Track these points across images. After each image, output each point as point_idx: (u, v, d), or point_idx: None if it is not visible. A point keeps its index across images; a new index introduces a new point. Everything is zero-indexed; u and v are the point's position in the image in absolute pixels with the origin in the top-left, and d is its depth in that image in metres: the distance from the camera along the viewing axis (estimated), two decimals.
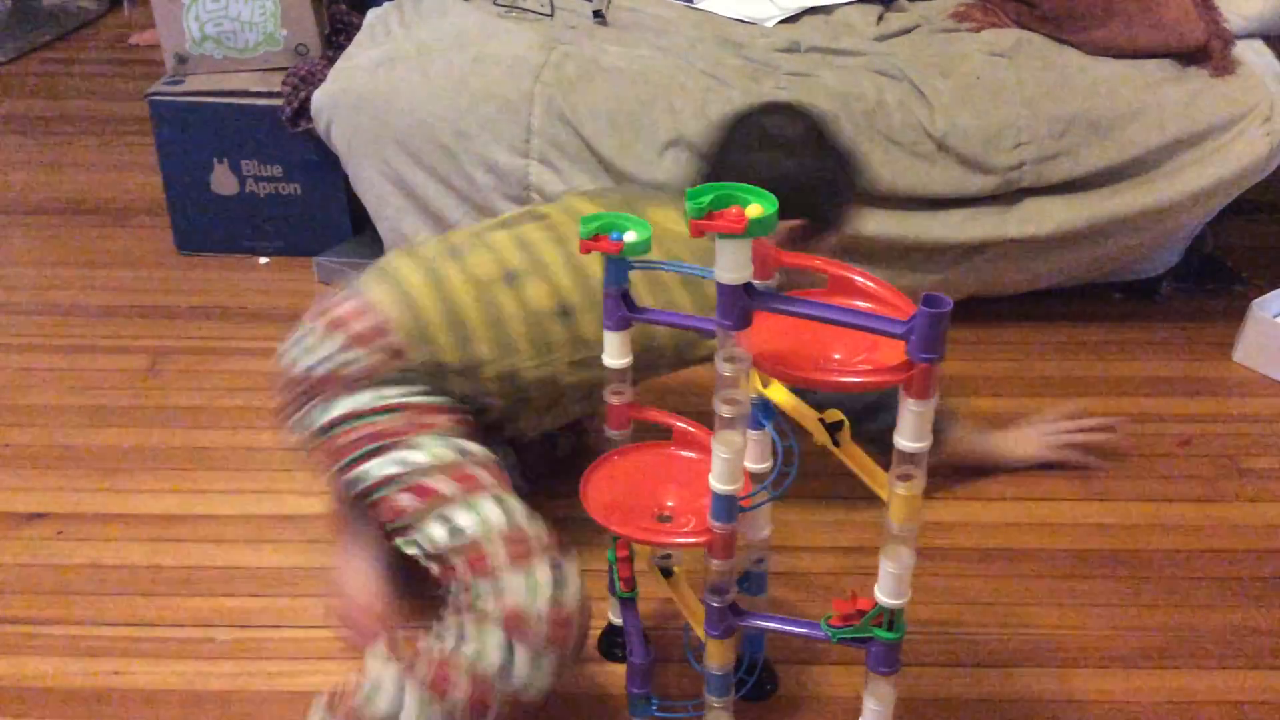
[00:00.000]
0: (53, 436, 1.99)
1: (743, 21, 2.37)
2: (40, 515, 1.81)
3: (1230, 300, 2.33)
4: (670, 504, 1.26)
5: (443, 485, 1.33)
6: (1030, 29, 2.24)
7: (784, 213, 1.00)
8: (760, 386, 1.23)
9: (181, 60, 2.51)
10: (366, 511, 1.41)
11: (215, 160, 2.48)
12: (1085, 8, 2.16)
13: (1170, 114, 2.08)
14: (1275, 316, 2.16)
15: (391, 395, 1.41)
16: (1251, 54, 2.16)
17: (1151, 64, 2.13)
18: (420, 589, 1.43)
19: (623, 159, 2.11)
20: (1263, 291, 2.24)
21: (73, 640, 1.58)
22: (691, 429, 1.32)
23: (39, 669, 1.53)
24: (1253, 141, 2.09)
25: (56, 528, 1.78)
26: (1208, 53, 2.11)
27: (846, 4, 2.44)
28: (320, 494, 1.84)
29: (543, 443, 1.75)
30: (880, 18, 2.39)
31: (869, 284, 1.14)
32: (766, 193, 1.00)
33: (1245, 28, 2.18)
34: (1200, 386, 2.11)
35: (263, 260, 2.57)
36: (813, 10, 2.43)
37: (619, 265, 1.24)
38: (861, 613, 1.13)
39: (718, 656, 1.25)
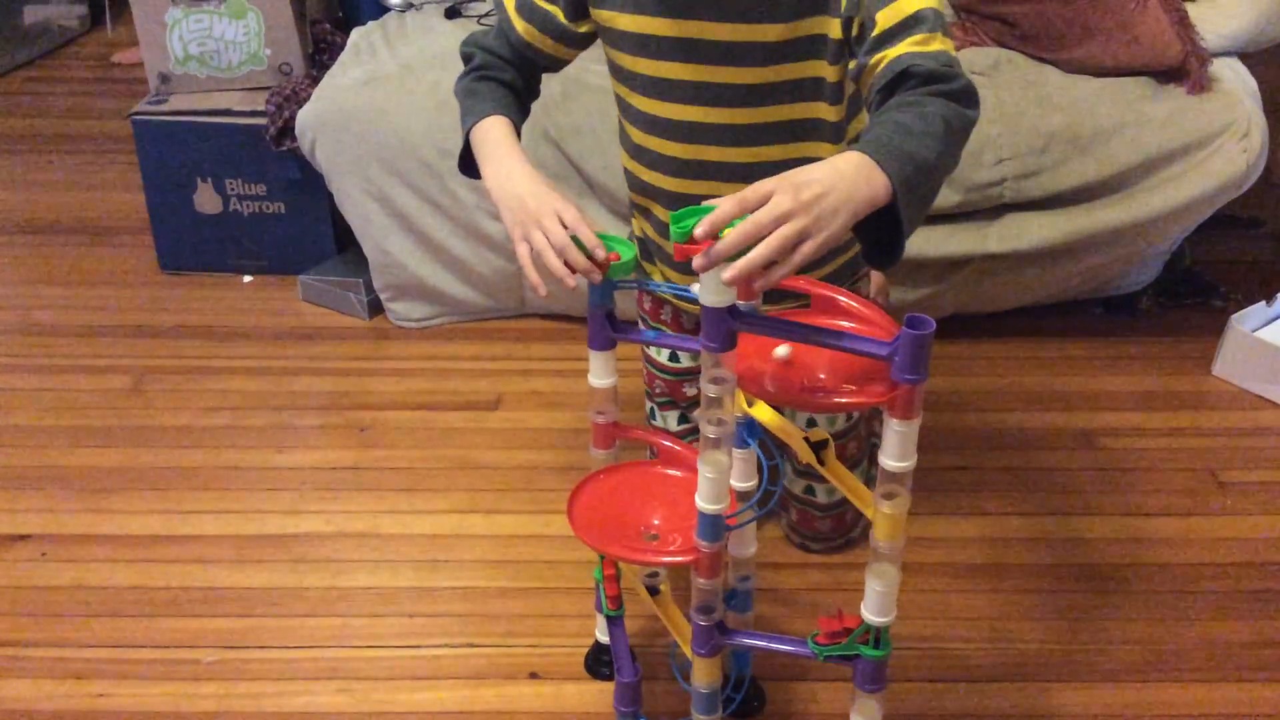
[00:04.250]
0: (36, 457, 1.98)
1: None
2: (24, 537, 1.80)
3: (1209, 314, 2.35)
4: (656, 522, 1.27)
5: None
6: (1009, 48, 2.26)
7: None
8: (745, 406, 1.24)
9: (165, 79, 2.51)
10: None
11: (199, 179, 2.48)
12: (1064, 27, 2.18)
13: (1148, 131, 2.11)
14: (1253, 330, 2.18)
15: None
16: (1228, 72, 2.19)
17: (1129, 82, 2.16)
18: None
19: (606, 177, 2.12)
20: (1241, 306, 2.26)
21: (58, 662, 1.57)
22: (678, 448, 1.33)
23: (23, 692, 1.52)
24: (1230, 157, 2.11)
25: (40, 549, 1.77)
26: (1185, 70, 2.13)
27: None
28: (305, 513, 1.84)
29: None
30: None
31: (853, 304, 1.15)
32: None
33: (1222, 46, 2.20)
34: (1180, 400, 2.13)
35: (246, 279, 2.56)
36: None
37: (604, 286, 1.24)
38: (848, 630, 1.14)
39: (705, 674, 1.25)
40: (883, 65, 1.20)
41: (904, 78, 1.17)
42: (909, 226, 1.09)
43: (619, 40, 1.39)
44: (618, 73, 1.44)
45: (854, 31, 1.25)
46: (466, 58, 1.46)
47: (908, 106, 1.15)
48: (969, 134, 1.18)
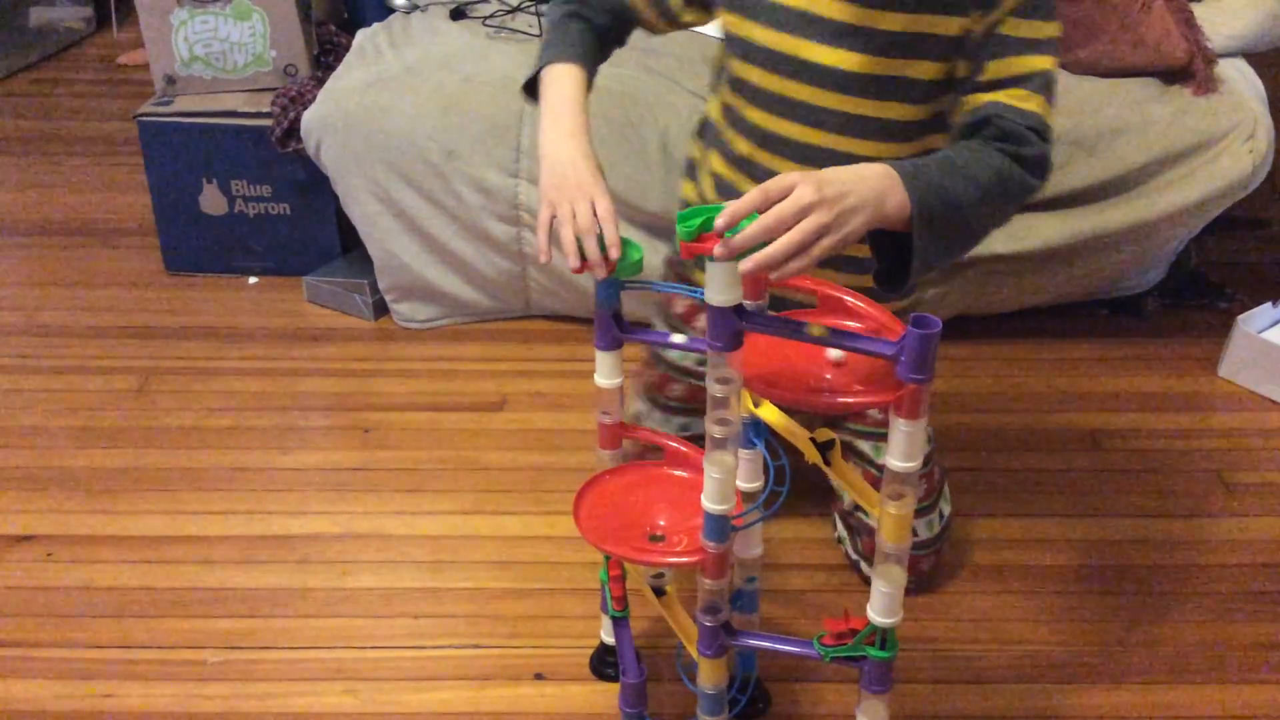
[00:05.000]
0: (42, 458, 1.99)
1: None
2: (30, 537, 1.80)
3: (1215, 316, 2.35)
4: (662, 523, 1.27)
5: None
6: None
7: None
8: (751, 406, 1.24)
9: (170, 81, 2.52)
10: None
11: (204, 180, 2.48)
12: (1069, 27, 2.18)
13: (1155, 131, 2.10)
14: (1259, 332, 2.18)
15: None
16: (1234, 72, 2.18)
17: (1135, 82, 2.15)
18: None
19: (613, 179, 2.11)
20: (1247, 307, 2.26)
21: (64, 663, 1.57)
22: (684, 448, 1.33)
23: (30, 692, 1.52)
24: (1236, 158, 2.11)
25: (46, 550, 1.78)
26: (1191, 71, 2.13)
27: None
28: (310, 514, 1.85)
29: None
30: None
31: (859, 304, 1.15)
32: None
33: (1227, 46, 2.20)
34: (1186, 402, 2.13)
35: (252, 280, 2.56)
36: None
37: (611, 285, 1.24)
38: (854, 631, 1.14)
39: (710, 676, 1.25)
40: (971, 106, 1.22)
41: (985, 124, 1.19)
42: (920, 256, 1.09)
43: (751, 53, 1.35)
44: (738, 85, 1.40)
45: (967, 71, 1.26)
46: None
47: (968, 149, 1.17)
48: (1023, 199, 1.20)
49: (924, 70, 1.28)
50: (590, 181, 1.24)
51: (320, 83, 2.37)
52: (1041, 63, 1.22)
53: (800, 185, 1.00)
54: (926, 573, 1.66)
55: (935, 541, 1.64)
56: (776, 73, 1.33)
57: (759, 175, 1.40)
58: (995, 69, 1.23)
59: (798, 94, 1.33)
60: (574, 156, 1.27)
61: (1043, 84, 1.22)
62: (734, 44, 1.37)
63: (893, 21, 1.25)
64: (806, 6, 1.28)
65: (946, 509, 1.65)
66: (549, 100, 1.33)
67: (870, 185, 1.05)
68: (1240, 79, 2.18)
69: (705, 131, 1.53)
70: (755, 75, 1.35)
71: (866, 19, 1.26)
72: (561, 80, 1.33)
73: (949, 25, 1.25)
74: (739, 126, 1.42)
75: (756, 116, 1.38)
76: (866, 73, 1.29)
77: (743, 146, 1.42)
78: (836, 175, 1.04)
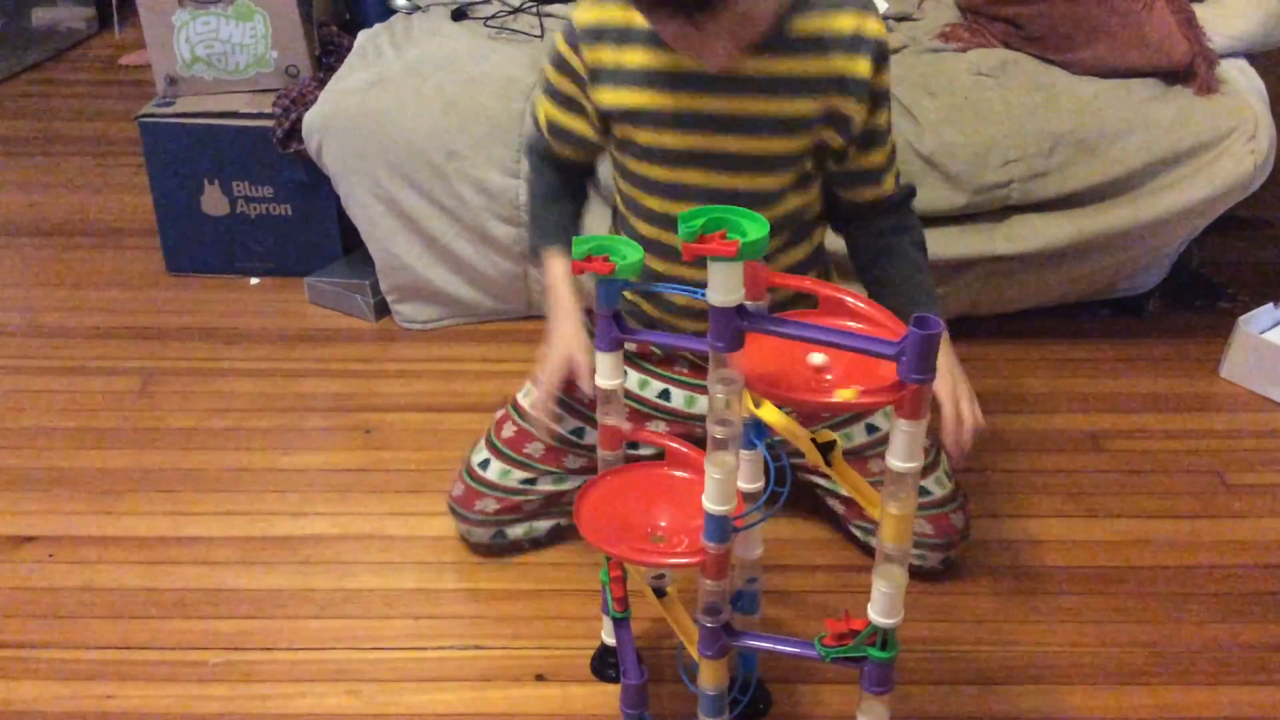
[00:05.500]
0: (44, 459, 1.99)
1: None
2: (31, 538, 1.80)
3: (1216, 316, 2.35)
4: (663, 524, 1.27)
5: None
6: (1017, 49, 2.26)
7: None
8: (752, 406, 1.23)
9: (172, 82, 2.52)
10: None
11: (206, 181, 2.48)
12: (1071, 28, 2.18)
13: (1156, 132, 2.10)
14: (1261, 332, 2.18)
15: None
16: (1236, 73, 2.18)
17: (1137, 83, 2.15)
18: None
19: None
20: (1248, 307, 2.26)
21: (65, 664, 1.57)
22: (684, 449, 1.33)
23: (31, 693, 1.53)
24: (1238, 159, 2.11)
25: (48, 550, 1.78)
26: (1192, 72, 2.13)
27: None
28: (312, 515, 1.85)
29: None
30: None
31: (860, 305, 1.15)
32: (758, 215, 1.01)
33: (1229, 47, 2.20)
34: (1187, 402, 2.13)
35: (253, 281, 2.57)
36: None
37: (611, 286, 1.24)
38: (855, 632, 1.14)
39: (711, 677, 1.25)
40: (874, 199, 1.54)
41: (894, 206, 1.56)
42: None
43: (644, 152, 1.49)
44: (635, 180, 1.53)
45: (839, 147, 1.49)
46: (530, 159, 1.66)
47: (911, 252, 1.55)
48: None
49: (790, 145, 1.45)
50: (575, 345, 1.50)
51: (322, 84, 2.37)
52: (890, 141, 1.52)
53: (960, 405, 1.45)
54: (961, 529, 1.67)
55: (953, 498, 1.66)
56: (664, 164, 1.49)
57: (664, 253, 1.54)
58: (874, 157, 1.51)
59: (688, 179, 1.48)
60: (566, 330, 1.52)
61: (894, 153, 1.54)
62: (627, 147, 1.51)
63: (752, 106, 1.42)
64: (680, 106, 1.43)
65: (949, 466, 1.68)
66: (547, 288, 1.57)
67: (954, 363, 1.48)
68: (1242, 79, 2.18)
69: (615, 218, 1.66)
70: (648, 169, 1.51)
71: (739, 108, 1.42)
72: (551, 267, 1.56)
73: (808, 108, 1.42)
74: (641, 214, 1.56)
75: (654, 204, 1.53)
76: (742, 153, 1.45)
77: (646, 230, 1.56)
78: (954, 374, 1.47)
